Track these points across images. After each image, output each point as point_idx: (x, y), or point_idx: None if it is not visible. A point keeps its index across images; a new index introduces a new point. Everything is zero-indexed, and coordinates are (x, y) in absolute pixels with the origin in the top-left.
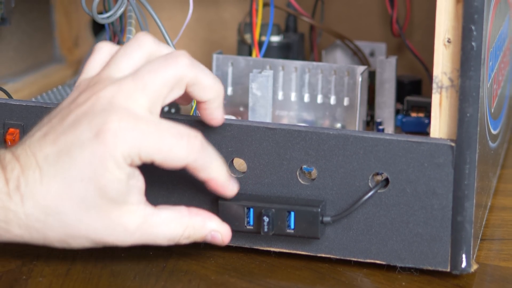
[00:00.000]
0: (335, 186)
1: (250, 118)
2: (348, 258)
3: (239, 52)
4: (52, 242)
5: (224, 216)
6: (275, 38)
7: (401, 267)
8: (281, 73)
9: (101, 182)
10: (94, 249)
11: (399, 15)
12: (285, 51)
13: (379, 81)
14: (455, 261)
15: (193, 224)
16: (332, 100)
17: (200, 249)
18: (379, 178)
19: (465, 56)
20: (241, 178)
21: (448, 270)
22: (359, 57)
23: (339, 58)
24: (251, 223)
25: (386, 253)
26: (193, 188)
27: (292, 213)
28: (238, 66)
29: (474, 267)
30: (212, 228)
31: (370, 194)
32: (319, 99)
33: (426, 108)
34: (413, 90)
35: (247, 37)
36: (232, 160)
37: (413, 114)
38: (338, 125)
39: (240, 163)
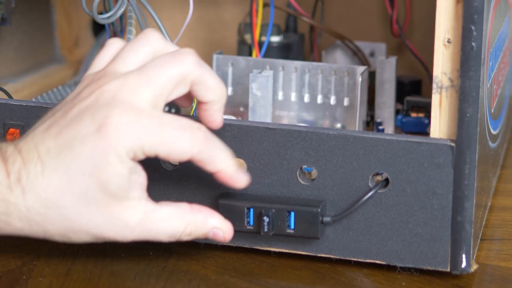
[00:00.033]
0: (335, 186)
1: (250, 118)
2: (348, 258)
3: (239, 52)
4: (52, 235)
5: (224, 216)
6: (275, 39)
7: (401, 267)
8: (281, 73)
9: (102, 176)
10: (94, 249)
11: (399, 15)
12: (285, 51)
13: (379, 81)
14: (455, 261)
15: (194, 221)
16: (332, 100)
17: (200, 249)
18: (379, 178)
19: (465, 56)
20: None
21: (448, 270)
22: (359, 57)
23: (339, 58)
24: (251, 223)
25: (386, 253)
26: (194, 187)
27: (292, 213)
28: (238, 66)
29: (474, 267)
30: (214, 225)
31: (370, 194)
32: (319, 99)
33: (426, 108)
34: (413, 90)
35: (247, 37)
36: None
37: (413, 114)
38: (338, 125)
39: (240, 163)
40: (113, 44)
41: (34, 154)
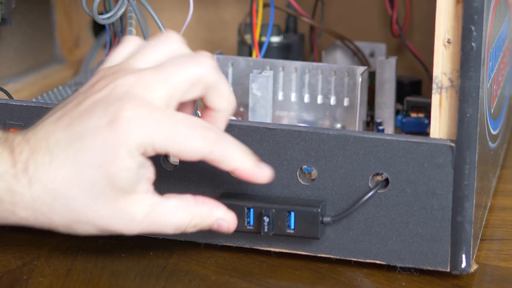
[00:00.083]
0: (335, 187)
1: (250, 119)
2: (348, 258)
3: (239, 53)
4: (57, 226)
5: None
6: (275, 39)
7: (401, 267)
8: (281, 73)
9: (111, 169)
10: (95, 249)
11: (399, 16)
12: (285, 52)
13: (379, 82)
14: (455, 261)
15: (200, 212)
16: (332, 101)
17: (200, 249)
18: (379, 178)
19: (465, 56)
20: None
21: (448, 270)
22: (359, 57)
23: (339, 58)
24: (251, 223)
25: (386, 253)
26: (194, 187)
27: (292, 213)
28: (238, 66)
29: (474, 267)
30: (218, 216)
31: (370, 194)
32: (319, 99)
33: (426, 109)
34: (413, 90)
35: (247, 37)
36: None
37: (413, 115)
38: (338, 126)
39: None
40: (130, 41)
41: (43, 144)
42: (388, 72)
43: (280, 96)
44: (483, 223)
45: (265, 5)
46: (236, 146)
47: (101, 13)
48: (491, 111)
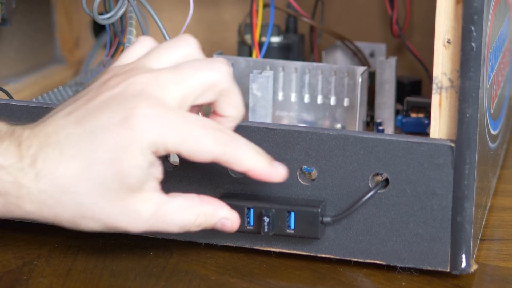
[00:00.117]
0: (335, 187)
1: (250, 119)
2: (348, 258)
3: (240, 53)
4: (62, 221)
5: None
6: (275, 39)
7: (401, 267)
8: (281, 73)
9: (122, 166)
10: (95, 249)
11: (399, 16)
12: (285, 52)
13: (379, 82)
14: (455, 261)
15: (204, 212)
16: (332, 101)
17: (200, 249)
18: (379, 178)
19: (465, 56)
20: (241, 179)
21: (448, 270)
22: (359, 57)
23: (339, 59)
24: (252, 223)
25: (386, 253)
26: (194, 187)
27: (292, 214)
28: (239, 67)
29: (474, 267)
30: (222, 215)
31: (370, 194)
32: (319, 99)
33: (426, 109)
34: (413, 90)
35: (247, 38)
36: None
37: (413, 115)
38: (338, 126)
39: None
40: (144, 41)
41: (53, 138)
42: (388, 72)
43: (280, 96)
44: (483, 223)
45: (265, 6)
46: (248, 146)
47: (101, 13)
48: (491, 111)
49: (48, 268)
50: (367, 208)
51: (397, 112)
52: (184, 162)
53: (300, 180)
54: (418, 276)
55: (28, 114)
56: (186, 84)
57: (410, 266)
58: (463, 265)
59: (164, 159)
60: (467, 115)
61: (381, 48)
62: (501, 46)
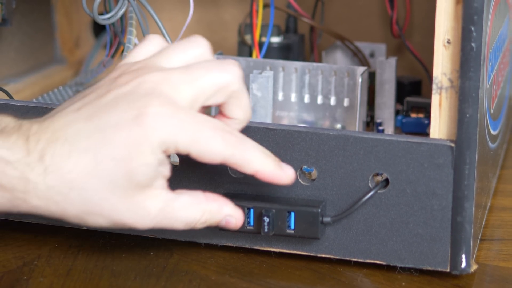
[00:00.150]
0: (335, 187)
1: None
2: (348, 259)
3: (240, 53)
4: (68, 217)
5: None
6: (275, 39)
7: (401, 267)
8: (281, 74)
9: (132, 164)
10: (95, 249)
11: (399, 16)
12: (285, 52)
13: (379, 82)
14: (455, 261)
15: (210, 209)
16: (332, 101)
17: (200, 249)
18: (379, 178)
19: (465, 57)
20: (241, 178)
21: (448, 270)
22: (359, 58)
23: (339, 59)
24: (252, 223)
25: (386, 253)
26: (194, 187)
27: (292, 214)
28: None
29: (474, 267)
30: (227, 213)
31: (370, 194)
32: (319, 100)
33: (426, 109)
34: (413, 90)
35: (248, 38)
36: None
37: (413, 115)
38: (338, 126)
39: None
40: (154, 40)
41: (61, 134)
42: (388, 72)
43: (280, 96)
44: (483, 223)
45: (265, 6)
46: (257, 149)
47: (101, 14)
48: (491, 112)
49: (48, 268)
50: (367, 208)
51: (397, 112)
52: (184, 162)
53: (300, 180)
54: (418, 276)
55: (29, 114)
56: (197, 85)
57: (410, 266)
58: (463, 265)
59: None
60: (467, 115)
61: (381, 48)
62: (501, 46)
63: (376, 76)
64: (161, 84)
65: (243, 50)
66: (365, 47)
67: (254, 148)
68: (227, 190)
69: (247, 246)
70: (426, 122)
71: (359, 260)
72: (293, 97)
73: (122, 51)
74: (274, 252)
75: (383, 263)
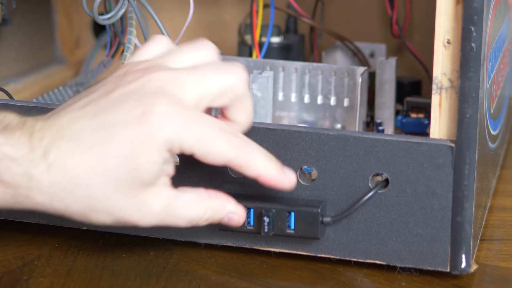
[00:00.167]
0: (335, 187)
1: None
2: (348, 259)
3: (240, 53)
4: (72, 214)
5: None
6: (276, 39)
7: (401, 267)
8: (281, 74)
9: (137, 161)
10: (95, 249)
11: (399, 16)
12: (285, 52)
13: (379, 82)
14: (455, 261)
15: (212, 206)
16: (332, 101)
17: (200, 249)
18: (379, 178)
19: (465, 57)
20: (241, 179)
21: (448, 270)
22: (359, 58)
23: (339, 59)
24: (252, 223)
25: (386, 254)
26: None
27: (292, 214)
28: None
29: (474, 267)
30: (230, 210)
31: (370, 194)
32: (319, 100)
33: (426, 109)
34: (413, 91)
35: (248, 38)
36: None
37: (413, 115)
38: (338, 126)
39: None
40: (160, 40)
41: (67, 130)
42: (388, 72)
43: (280, 96)
44: (483, 223)
45: (265, 6)
46: (261, 152)
47: (101, 14)
48: (491, 112)
49: (48, 268)
50: (367, 208)
51: (397, 112)
52: (184, 162)
53: (300, 180)
54: (418, 276)
55: (29, 115)
56: (204, 85)
57: (410, 266)
58: (463, 265)
59: None
60: (467, 115)
61: (381, 48)
62: (501, 46)
63: (376, 76)
64: (168, 83)
65: (243, 50)
66: (365, 47)
67: (258, 152)
68: (227, 190)
69: (247, 246)
70: (426, 122)
71: (359, 260)
72: (293, 97)
73: (122, 51)
74: (274, 252)
75: (383, 263)
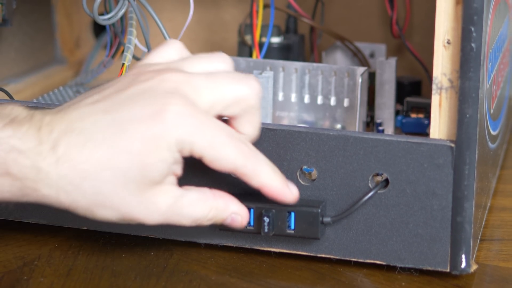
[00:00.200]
0: (335, 187)
1: None
2: (348, 259)
3: (240, 53)
4: (77, 208)
5: None
6: (276, 39)
7: (401, 268)
8: (281, 74)
9: (148, 159)
10: (95, 249)
11: (399, 17)
12: (286, 52)
13: (379, 82)
14: (455, 261)
15: (216, 206)
16: (332, 101)
17: (200, 249)
18: (379, 178)
19: (465, 57)
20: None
21: (448, 270)
22: (359, 58)
23: (339, 59)
24: (252, 223)
25: (386, 254)
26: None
27: (292, 214)
28: (239, 67)
29: (474, 267)
30: (233, 210)
31: (370, 194)
32: (319, 100)
33: (425, 109)
34: (413, 91)
35: (248, 38)
36: None
37: (413, 115)
38: (338, 126)
39: None
40: (174, 44)
41: (77, 125)
42: (388, 72)
43: (280, 96)
44: (483, 224)
45: (266, 6)
46: (267, 163)
47: (101, 14)
48: (490, 112)
49: (48, 268)
50: (367, 208)
51: (397, 113)
52: (185, 163)
53: (300, 180)
54: (418, 276)
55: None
56: (218, 92)
57: (410, 266)
58: (463, 265)
59: None
60: (467, 115)
61: (381, 48)
62: (500, 46)
63: (376, 76)
64: (182, 84)
65: (243, 50)
66: (365, 47)
67: (265, 163)
68: (227, 190)
69: (247, 246)
70: (426, 122)
71: (359, 260)
72: (293, 97)
73: (122, 51)
74: (274, 252)
75: (383, 263)
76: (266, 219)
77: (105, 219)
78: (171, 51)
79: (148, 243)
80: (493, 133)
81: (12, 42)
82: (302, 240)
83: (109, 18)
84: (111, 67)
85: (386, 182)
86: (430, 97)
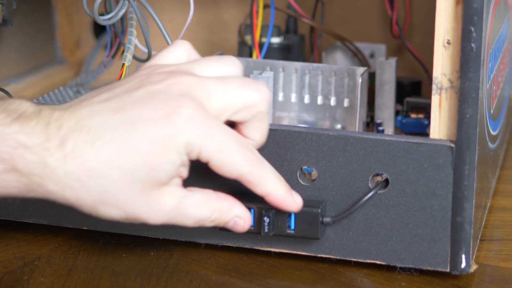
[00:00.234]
0: (335, 187)
1: None
2: (348, 259)
3: (240, 54)
4: (82, 205)
5: None
6: (276, 40)
7: (401, 268)
8: (281, 74)
9: (156, 160)
10: (95, 249)
11: (399, 17)
12: (286, 53)
13: (379, 82)
14: (455, 261)
15: (220, 208)
16: (332, 101)
17: (201, 249)
18: (379, 179)
19: (465, 57)
20: None
21: (448, 270)
22: (359, 58)
23: (339, 59)
24: (252, 223)
25: (386, 254)
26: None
27: (293, 214)
28: None
29: (474, 267)
30: (236, 213)
31: (370, 195)
32: (319, 100)
33: (425, 109)
34: (413, 91)
35: (248, 38)
36: None
37: (413, 115)
38: (338, 126)
39: None
40: (182, 45)
41: (87, 122)
42: (388, 73)
43: (281, 96)
44: (483, 224)
45: (266, 6)
46: (272, 172)
47: (102, 14)
48: (490, 112)
49: (49, 268)
50: (367, 208)
51: (397, 113)
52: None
53: (300, 180)
54: (418, 276)
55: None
56: (229, 97)
57: (410, 266)
58: (463, 265)
59: None
60: (467, 115)
61: (381, 48)
62: (500, 46)
63: (376, 76)
64: (194, 88)
65: (243, 50)
66: (365, 47)
67: (270, 171)
68: (227, 191)
69: (247, 246)
70: (426, 122)
71: (359, 260)
72: (293, 97)
73: (123, 51)
74: (274, 252)
75: (383, 263)
76: (266, 219)
77: (109, 217)
78: (179, 52)
79: (148, 243)
80: (493, 133)
81: (12, 42)
82: (302, 240)
83: (109, 18)
84: (111, 67)
85: (386, 182)
86: (430, 97)
